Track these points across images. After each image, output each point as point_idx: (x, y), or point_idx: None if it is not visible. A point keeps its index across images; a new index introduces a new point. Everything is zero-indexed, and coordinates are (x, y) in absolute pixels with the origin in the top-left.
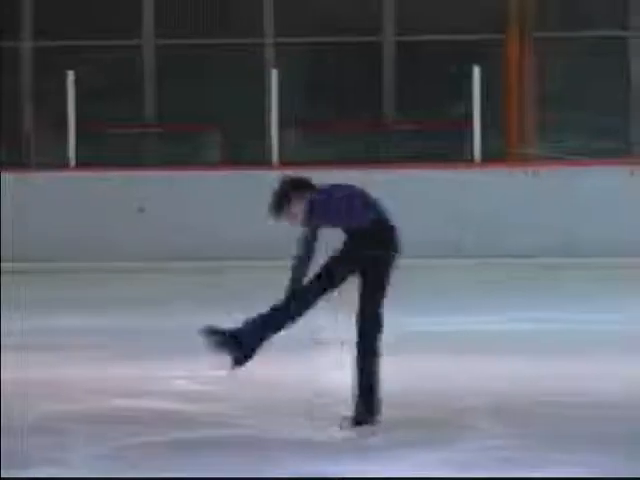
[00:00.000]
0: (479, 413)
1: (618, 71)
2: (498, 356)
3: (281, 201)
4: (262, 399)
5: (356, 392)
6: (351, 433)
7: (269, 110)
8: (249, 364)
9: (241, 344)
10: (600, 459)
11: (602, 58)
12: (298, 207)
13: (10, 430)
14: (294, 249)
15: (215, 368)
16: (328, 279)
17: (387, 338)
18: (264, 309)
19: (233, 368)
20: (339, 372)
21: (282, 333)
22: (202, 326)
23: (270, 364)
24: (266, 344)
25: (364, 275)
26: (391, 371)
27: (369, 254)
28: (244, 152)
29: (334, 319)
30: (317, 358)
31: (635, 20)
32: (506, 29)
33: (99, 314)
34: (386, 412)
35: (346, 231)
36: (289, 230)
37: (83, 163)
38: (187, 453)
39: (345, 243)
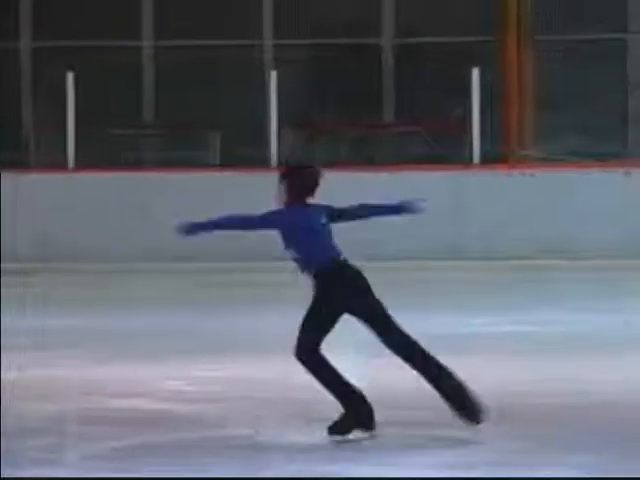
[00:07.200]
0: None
1: (616, 73)
2: (494, 357)
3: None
4: (257, 400)
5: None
6: (348, 435)
7: (268, 112)
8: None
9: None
10: (598, 460)
11: (600, 60)
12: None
13: (4, 430)
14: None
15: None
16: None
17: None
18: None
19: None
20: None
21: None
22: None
23: (270, 365)
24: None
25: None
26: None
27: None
28: (243, 154)
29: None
30: None
31: (634, 23)
32: (505, 31)
33: (97, 314)
34: (387, 413)
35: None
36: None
37: (82, 164)
38: (181, 454)
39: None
